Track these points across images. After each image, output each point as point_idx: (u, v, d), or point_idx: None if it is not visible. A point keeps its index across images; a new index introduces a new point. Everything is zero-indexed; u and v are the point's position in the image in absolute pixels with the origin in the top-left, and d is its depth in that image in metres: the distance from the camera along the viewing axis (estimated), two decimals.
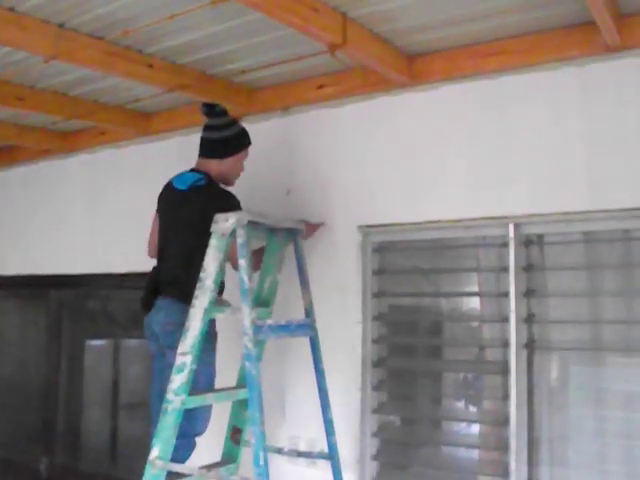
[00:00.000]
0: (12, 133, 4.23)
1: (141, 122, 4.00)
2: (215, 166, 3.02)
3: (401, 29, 2.81)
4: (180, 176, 3.04)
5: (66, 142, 4.48)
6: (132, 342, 4.63)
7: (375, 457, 3.15)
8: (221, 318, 2.76)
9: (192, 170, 3.04)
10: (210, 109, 3.03)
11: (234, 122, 3.08)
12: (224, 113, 3.05)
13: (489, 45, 2.88)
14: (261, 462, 2.34)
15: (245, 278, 2.46)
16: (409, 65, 3.06)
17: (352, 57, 2.87)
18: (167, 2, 2.54)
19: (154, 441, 2.60)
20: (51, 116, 3.89)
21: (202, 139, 3.06)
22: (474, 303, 3.23)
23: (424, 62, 3.05)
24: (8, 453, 4.91)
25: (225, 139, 3.02)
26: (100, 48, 2.90)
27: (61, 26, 2.77)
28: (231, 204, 2.80)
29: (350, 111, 3.30)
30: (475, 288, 3.22)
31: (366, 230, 3.20)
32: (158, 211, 3.14)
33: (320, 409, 2.79)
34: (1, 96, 3.46)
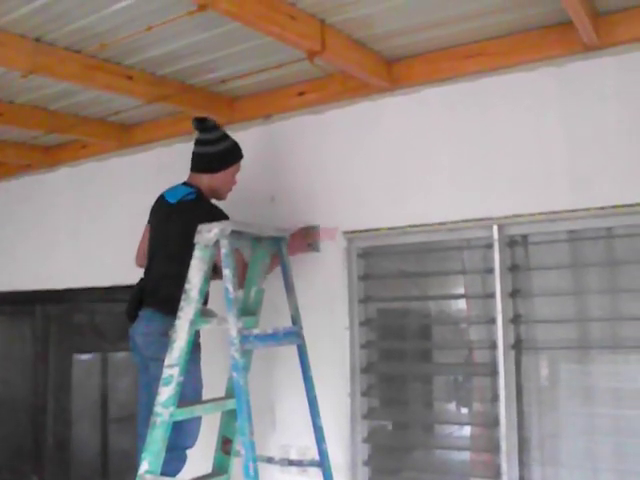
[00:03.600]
0: None
1: (122, 134, 3.98)
2: (206, 180, 3.03)
3: (380, 34, 2.81)
4: (172, 189, 3.05)
5: (47, 156, 4.45)
6: (120, 355, 4.59)
7: (366, 463, 3.14)
8: (207, 329, 2.74)
9: (184, 183, 3.05)
10: (201, 123, 3.03)
11: (225, 136, 3.08)
12: (215, 127, 3.05)
13: (468, 47, 2.90)
14: (251, 472, 2.32)
15: (230, 288, 2.45)
16: (389, 69, 3.07)
17: (331, 63, 2.87)
18: (145, 13, 2.52)
19: (143, 455, 2.57)
20: (31, 131, 3.87)
21: (193, 153, 3.06)
22: (461, 305, 3.24)
23: (404, 66, 3.06)
24: None
25: (215, 154, 3.02)
26: (78, 61, 2.89)
27: (38, 40, 2.75)
28: (219, 218, 2.78)
29: (332, 117, 3.30)
30: (461, 290, 3.22)
31: (351, 236, 3.20)
32: (149, 222, 3.15)
33: (310, 417, 2.77)
34: None
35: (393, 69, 3.08)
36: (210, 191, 3.03)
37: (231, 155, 3.07)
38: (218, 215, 2.84)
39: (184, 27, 2.64)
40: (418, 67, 3.03)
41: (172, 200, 2.99)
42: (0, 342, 5.16)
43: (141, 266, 3.17)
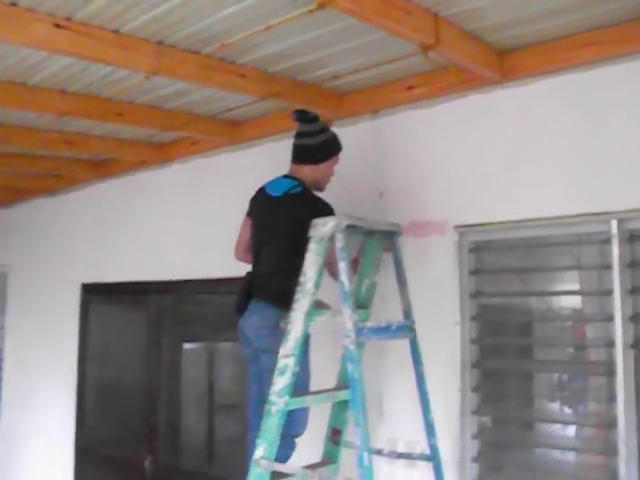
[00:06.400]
0: (112, 147, 4.44)
1: (232, 131, 4.10)
2: (309, 172, 3.06)
3: (492, 25, 2.77)
4: (274, 182, 3.10)
5: (161, 153, 4.65)
6: (226, 345, 4.75)
7: (475, 459, 3.11)
8: (321, 321, 2.79)
9: (285, 176, 3.09)
10: (302, 116, 3.07)
11: (326, 128, 3.12)
12: (316, 119, 3.09)
13: (583, 36, 2.80)
14: (366, 462, 2.35)
15: (346, 281, 2.49)
16: (501, 61, 3.02)
17: (444, 57, 2.84)
18: (263, 13, 2.59)
19: (259, 441, 2.65)
20: (148, 129, 4.05)
21: (295, 145, 3.11)
22: (573, 302, 3.14)
23: (516, 57, 3.00)
24: (116, 451, 5.15)
25: (318, 144, 3.06)
26: (197, 62, 3.00)
27: (160, 43, 2.88)
28: (326, 211, 2.85)
29: (441, 111, 3.27)
30: (575, 286, 3.13)
31: (462, 230, 3.16)
32: (250, 216, 3.21)
33: (421, 411, 2.77)
34: (103, 113, 3.65)
35: (505, 60, 3.02)
36: (312, 183, 3.07)
37: (332, 146, 3.10)
38: (325, 208, 2.89)
39: (299, 25, 2.69)
40: (531, 58, 2.96)
41: (276, 193, 3.04)
42: (118, 329, 5.45)
43: (241, 259, 3.25)
